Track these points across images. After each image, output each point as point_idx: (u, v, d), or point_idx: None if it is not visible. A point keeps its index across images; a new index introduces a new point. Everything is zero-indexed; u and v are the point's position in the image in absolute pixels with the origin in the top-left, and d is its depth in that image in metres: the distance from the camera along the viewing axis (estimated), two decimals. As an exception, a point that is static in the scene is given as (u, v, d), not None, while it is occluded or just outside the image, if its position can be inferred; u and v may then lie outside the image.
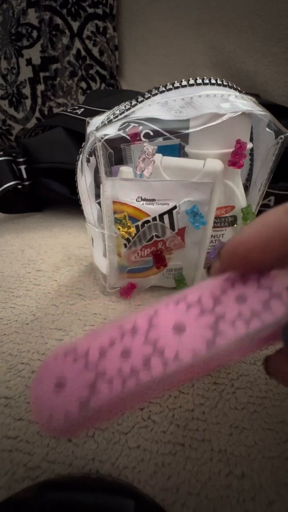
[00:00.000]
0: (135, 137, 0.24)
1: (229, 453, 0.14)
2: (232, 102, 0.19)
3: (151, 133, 0.29)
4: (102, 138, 0.19)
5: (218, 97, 0.19)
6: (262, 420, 0.16)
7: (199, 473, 0.13)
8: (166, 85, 0.19)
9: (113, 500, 0.11)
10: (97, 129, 0.20)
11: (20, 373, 0.19)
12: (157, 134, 0.24)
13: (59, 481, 0.13)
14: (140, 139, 0.24)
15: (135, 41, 0.68)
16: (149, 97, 0.20)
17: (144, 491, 0.13)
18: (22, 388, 0.18)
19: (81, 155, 0.22)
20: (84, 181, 0.23)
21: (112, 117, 0.20)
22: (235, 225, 0.24)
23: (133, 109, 0.20)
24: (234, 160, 0.20)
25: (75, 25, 0.66)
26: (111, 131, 0.19)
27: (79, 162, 0.23)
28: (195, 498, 0.13)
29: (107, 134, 0.19)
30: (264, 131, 0.21)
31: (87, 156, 0.22)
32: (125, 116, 0.20)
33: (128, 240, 0.22)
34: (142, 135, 0.30)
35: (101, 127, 0.20)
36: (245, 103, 0.19)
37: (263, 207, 0.38)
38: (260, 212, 0.40)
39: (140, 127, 0.30)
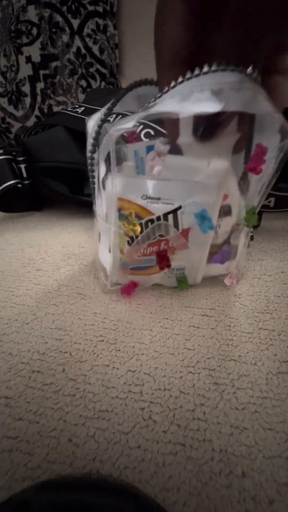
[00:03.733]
0: (132, 135, 0.24)
1: (230, 453, 0.14)
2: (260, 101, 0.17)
3: (152, 133, 0.29)
4: (119, 133, 0.19)
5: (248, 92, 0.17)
6: (262, 420, 0.16)
7: (200, 473, 0.14)
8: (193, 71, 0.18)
9: (113, 500, 0.11)
10: (113, 122, 0.20)
11: (20, 372, 0.19)
12: (159, 134, 0.24)
13: (59, 481, 0.13)
14: (137, 138, 0.24)
15: (135, 39, 0.68)
16: (173, 87, 0.18)
17: (144, 491, 0.13)
18: (22, 387, 0.18)
19: (97, 152, 0.22)
20: (98, 173, 0.23)
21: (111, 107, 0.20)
22: (231, 216, 0.23)
23: (156, 101, 0.18)
24: (252, 165, 0.20)
25: (75, 23, 0.66)
26: (128, 125, 0.19)
27: (95, 159, 0.23)
28: (196, 498, 0.13)
29: (122, 129, 0.19)
30: (271, 131, 0.21)
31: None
32: (147, 109, 0.19)
33: (131, 237, 0.22)
34: (143, 134, 0.30)
35: (117, 122, 0.19)
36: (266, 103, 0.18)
37: (264, 208, 0.38)
38: (260, 213, 0.39)
39: (141, 126, 0.30)
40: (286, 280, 0.28)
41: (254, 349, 0.20)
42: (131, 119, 0.19)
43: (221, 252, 0.25)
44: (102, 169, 0.22)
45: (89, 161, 0.23)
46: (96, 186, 0.24)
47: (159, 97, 0.18)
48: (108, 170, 0.22)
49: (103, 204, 0.24)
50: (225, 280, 0.27)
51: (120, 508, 0.11)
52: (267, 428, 0.15)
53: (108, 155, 0.20)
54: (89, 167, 0.24)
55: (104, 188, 0.23)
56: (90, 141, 0.23)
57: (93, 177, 0.24)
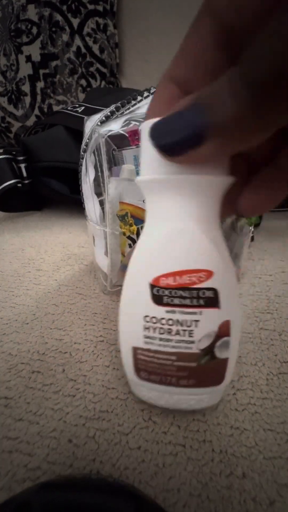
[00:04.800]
0: (134, 135, 0.24)
1: (230, 454, 0.14)
2: None
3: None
4: (106, 134, 0.19)
5: None
6: (262, 421, 0.16)
7: (200, 473, 0.13)
8: None
9: (113, 501, 0.11)
10: (101, 124, 0.20)
11: (20, 373, 0.19)
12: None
13: (59, 482, 0.13)
14: (138, 138, 0.24)
15: (135, 38, 0.68)
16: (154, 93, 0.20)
17: (145, 492, 0.13)
18: (22, 388, 0.18)
19: (86, 152, 0.22)
20: (88, 177, 0.22)
21: (114, 111, 0.20)
22: (218, 305, 0.13)
23: (138, 105, 0.20)
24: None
25: (75, 22, 0.66)
26: (115, 127, 0.19)
27: (84, 159, 0.23)
28: (196, 499, 0.13)
29: (111, 130, 0.19)
30: None
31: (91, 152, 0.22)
32: (130, 112, 0.19)
33: (131, 239, 0.22)
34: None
35: (105, 123, 0.20)
36: None
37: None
38: None
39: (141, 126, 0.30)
40: (287, 279, 0.28)
41: (254, 349, 0.20)
42: (117, 120, 0.19)
43: None
44: (91, 171, 0.22)
45: (81, 160, 0.23)
46: (87, 189, 0.23)
47: (140, 101, 0.19)
48: (98, 173, 0.22)
49: (95, 206, 0.23)
50: None
51: (121, 509, 0.11)
52: (267, 429, 0.15)
53: (97, 157, 0.21)
54: (80, 167, 0.24)
55: (94, 191, 0.23)
56: (84, 141, 0.23)
57: (84, 180, 0.24)
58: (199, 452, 0.14)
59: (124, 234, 0.22)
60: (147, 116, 0.12)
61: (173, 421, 0.16)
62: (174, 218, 0.12)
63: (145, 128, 0.11)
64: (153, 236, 0.13)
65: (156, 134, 0.10)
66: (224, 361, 0.14)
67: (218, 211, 0.13)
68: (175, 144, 0.09)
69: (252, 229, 0.26)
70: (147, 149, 0.11)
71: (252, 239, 0.34)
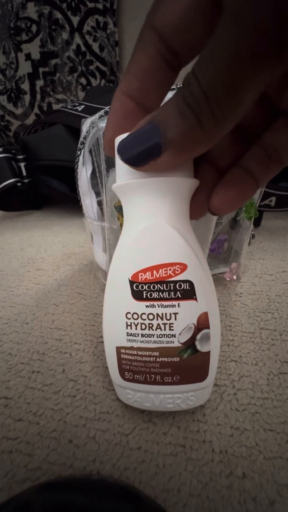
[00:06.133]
0: None
1: (230, 454, 0.14)
2: None
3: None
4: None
5: None
6: (263, 421, 0.16)
7: (200, 474, 0.13)
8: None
9: (114, 502, 0.11)
10: (100, 118, 0.20)
11: (20, 373, 0.19)
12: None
13: (60, 483, 0.13)
14: None
15: (135, 36, 0.67)
16: None
17: (145, 492, 0.13)
18: (22, 388, 0.17)
19: (82, 150, 0.22)
20: (85, 172, 0.22)
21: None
22: (195, 297, 0.14)
23: None
24: None
25: (75, 20, 0.65)
26: None
27: (81, 156, 0.23)
28: (196, 498, 0.13)
29: None
30: None
31: (91, 147, 0.22)
32: None
33: None
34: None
35: (104, 117, 0.20)
36: None
37: (265, 208, 0.38)
38: (261, 212, 0.38)
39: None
40: (287, 279, 0.28)
41: (255, 349, 0.20)
42: None
43: (216, 241, 0.25)
44: (89, 167, 0.22)
45: (77, 157, 0.23)
46: (84, 184, 0.23)
47: None
48: (94, 167, 0.21)
49: (92, 202, 0.23)
50: (225, 275, 0.27)
51: (121, 509, 0.11)
52: (267, 429, 0.15)
53: (94, 158, 0.20)
54: (76, 164, 0.23)
55: (91, 186, 0.23)
56: (80, 140, 0.22)
57: (81, 176, 0.23)
58: (199, 452, 0.14)
59: (121, 225, 0.22)
60: (106, 127, 0.13)
61: (173, 422, 0.16)
62: (147, 216, 0.13)
63: (116, 143, 0.12)
64: (129, 234, 0.14)
65: (121, 149, 0.11)
66: (206, 355, 0.14)
67: (187, 209, 0.14)
68: (135, 157, 0.11)
69: (253, 227, 0.26)
70: (119, 160, 0.13)
71: (253, 236, 0.34)
